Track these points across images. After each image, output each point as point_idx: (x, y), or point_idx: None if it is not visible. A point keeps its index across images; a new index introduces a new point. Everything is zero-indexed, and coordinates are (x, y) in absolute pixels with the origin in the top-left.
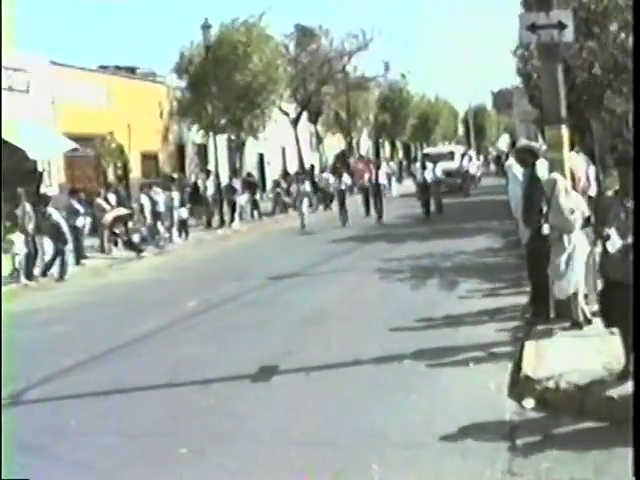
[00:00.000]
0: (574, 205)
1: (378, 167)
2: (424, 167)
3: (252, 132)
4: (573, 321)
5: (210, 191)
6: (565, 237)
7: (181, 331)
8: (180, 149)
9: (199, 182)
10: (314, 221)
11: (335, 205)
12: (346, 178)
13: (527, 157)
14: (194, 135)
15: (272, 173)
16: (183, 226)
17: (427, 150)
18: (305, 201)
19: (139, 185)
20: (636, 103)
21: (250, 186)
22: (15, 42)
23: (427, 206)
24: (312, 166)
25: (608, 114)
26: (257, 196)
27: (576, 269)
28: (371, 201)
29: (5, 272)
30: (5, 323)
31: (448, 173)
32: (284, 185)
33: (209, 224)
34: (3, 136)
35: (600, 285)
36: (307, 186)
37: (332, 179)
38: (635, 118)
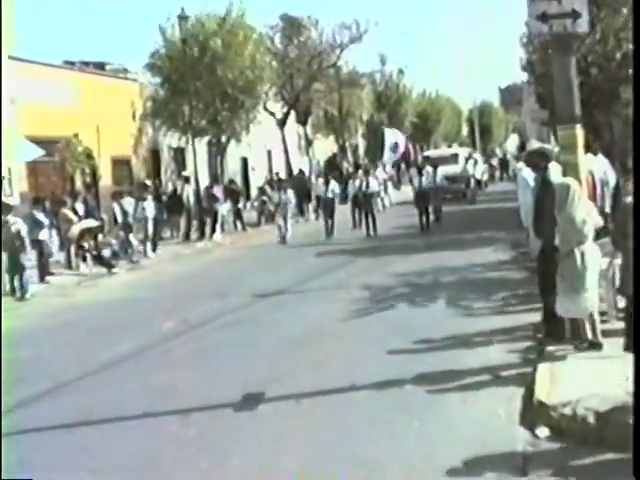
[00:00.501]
0: (586, 214)
1: (367, 172)
2: (420, 172)
3: (234, 134)
4: (590, 341)
5: (188, 199)
6: (576, 250)
7: (157, 355)
8: (155, 153)
9: (177, 190)
10: (297, 233)
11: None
12: (334, 185)
13: (538, 161)
14: (170, 138)
15: (257, 179)
16: (153, 238)
17: (428, 152)
18: (287, 212)
19: (110, 193)
20: (636, 102)
21: (233, 194)
22: None
23: (425, 216)
24: (301, 171)
25: (627, 110)
26: (240, 205)
27: (589, 285)
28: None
29: None
30: None
31: (451, 178)
32: (270, 192)
33: (187, 236)
34: None
35: (621, 301)
36: (290, 194)
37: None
38: (635, 118)
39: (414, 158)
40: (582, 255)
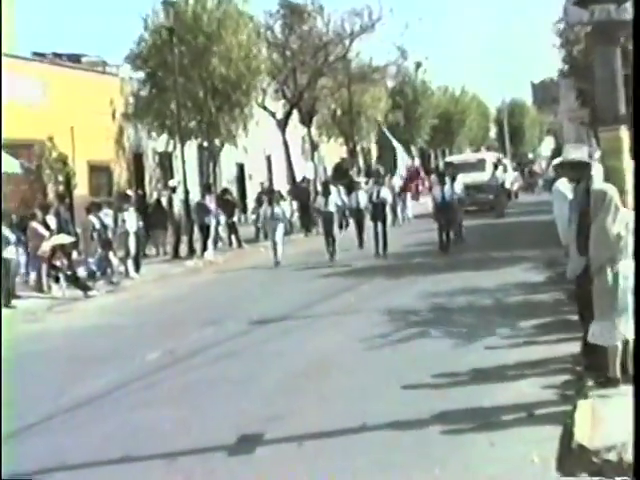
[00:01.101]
0: (624, 227)
1: (378, 180)
2: (443, 181)
3: (229, 137)
4: (608, 376)
5: (177, 212)
6: (608, 268)
7: (140, 391)
8: (138, 159)
9: (163, 201)
10: (299, 252)
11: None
12: (335, 197)
13: (576, 174)
14: (156, 141)
15: (255, 188)
16: (136, 256)
17: (450, 158)
18: (280, 228)
19: (86, 205)
20: (636, 102)
21: (227, 205)
22: None
23: (446, 232)
24: (305, 179)
25: None
26: (236, 218)
27: (620, 310)
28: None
29: None
30: None
31: (477, 187)
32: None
33: (176, 254)
34: None
35: None
36: (282, 207)
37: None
38: (635, 118)
39: (421, 183)
40: (615, 274)
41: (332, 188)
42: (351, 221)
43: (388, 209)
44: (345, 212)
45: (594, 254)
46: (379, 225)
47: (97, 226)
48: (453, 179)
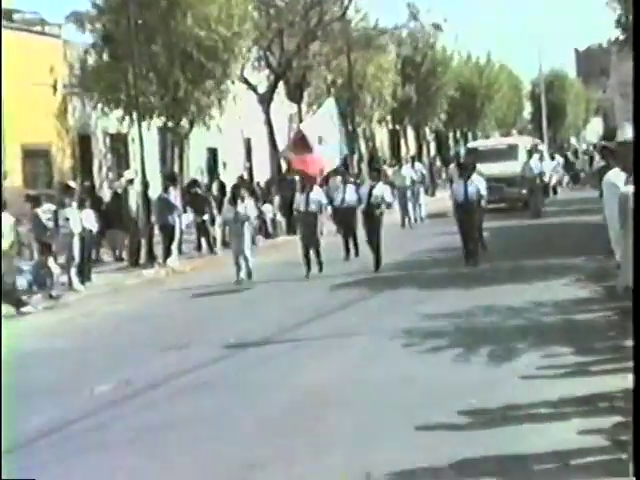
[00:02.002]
0: None
1: (377, 173)
2: (465, 173)
3: (200, 116)
4: None
5: (133, 208)
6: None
7: (87, 432)
8: (85, 141)
9: (118, 192)
10: (278, 261)
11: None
12: (318, 193)
13: (631, 158)
14: (108, 120)
15: (231, 179)
16: (82, 263)
17: (474, 144)
18: (246, 234)
19: (20, 198)
20: (636, 102)
21: (196, 201)
22: None
23: (470, 236)
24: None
25: None
26: (207, 217)
27: None
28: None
29: None
30: None
31: (507, 180)
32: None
33: (134, 260)
34: None
35: None
36: (249, 206)
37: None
38: (635, 118)
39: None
40: None
41: (335, 180)
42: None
43: (384, 210)
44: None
45: (623, 268)
46: (372, 232)
47: (34, 225)
48: (473, 169)
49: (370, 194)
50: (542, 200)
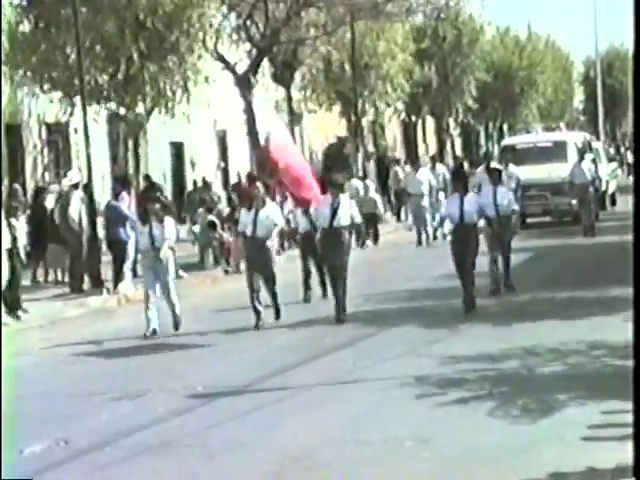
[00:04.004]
0: None
1: (363, 177)
2: (497, 179)
3: (160, 101)
4: None
5: (75, 219)
6: None
7: None
8: (14, 132)
9: (51, 197)
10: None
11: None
12: (271, 211)
13: None
14: (44, 105)
15: (200, 182)
16: (11, 288)
17: (511, 140)
18: (168, 267)
19: None
20: (636, 101)
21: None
22: None
23: (505, 262)
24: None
25: None
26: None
27: None
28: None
29: None
30: None
31: (553, 187)
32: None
33: (79, 285)
34: None
35: None
36: (170, 228)
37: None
38: (635, 118)
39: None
40: None
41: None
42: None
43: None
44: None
45: None
46: (333, 263)
47: None
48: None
49: (335, 210)
50: (597, 212)
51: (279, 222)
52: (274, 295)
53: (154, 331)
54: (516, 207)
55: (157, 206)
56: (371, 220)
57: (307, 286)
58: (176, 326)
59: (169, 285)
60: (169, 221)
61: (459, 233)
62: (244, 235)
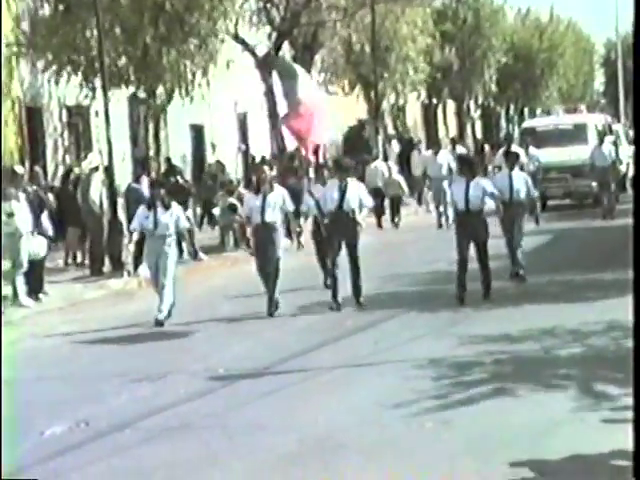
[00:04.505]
0: None
1: (362, 163)
2: (514, 162)
3: (181, 84)
4: None
5: (97, 201)
6: None
7: None
8: (35, 115)
9: (74, 180)
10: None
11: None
12: (278, 195)
13: None
14: (64, 89)
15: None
16: (33, 272)
17: (531, 122)
18: (170, 255)
19: None
20: (636, 101)
21: (175, 193)
22: None
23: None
24: (299, 150)
25: None
26: (190, 212)
27: None
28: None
29: None
30: None
31: (574, 170)
32: (243, 190)
33: (96, 267)
34: None
35: None
36: (179, 215)
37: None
38: (635, 117)
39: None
40: None
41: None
42: None
43: (361, 218)
44: None
45: None
46: (351, 247)
47: None
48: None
49: (343, 195)
50: (617, 195)
51: (289, 207)
52: (274, 285)
53: (161, 321)
54: (536, 193)
55: (162, 191)
56: (395, 202)
57: (324, 269)
58: (169, 312)
59: (167, 271)
60: (177, 208)
61: (465, 220)
62: (249, 220)
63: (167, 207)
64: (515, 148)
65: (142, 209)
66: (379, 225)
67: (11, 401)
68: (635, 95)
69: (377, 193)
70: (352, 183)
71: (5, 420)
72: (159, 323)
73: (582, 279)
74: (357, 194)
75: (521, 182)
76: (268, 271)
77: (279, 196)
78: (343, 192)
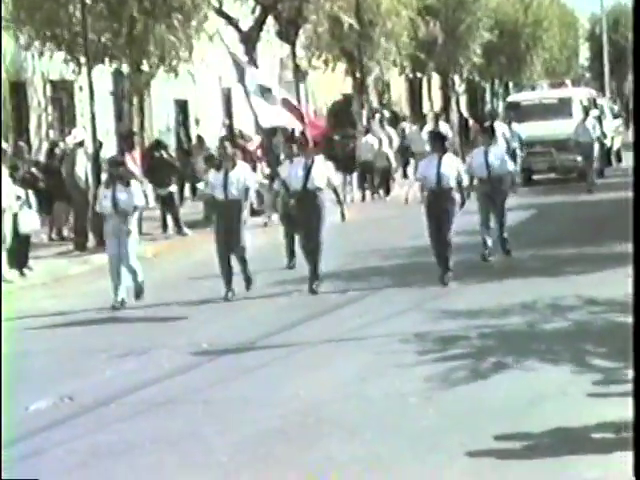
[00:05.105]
0: None
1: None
2: (490, 138)
3: (165, 59)
4: None
5: (80, 174)
6: None
7: (19, 461)
8: (18, 90)
9: (59, 156)
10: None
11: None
12: (242, 172)
13: None
14: (48, 63)
15: (206, 140)
16: (23, 248)
17: (516, 97)
18: (131, 234)
19: None
20: (636, 101)
21: (160, 168)
22: None
23: (499, 227)
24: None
25: None
26: (173, 188)
27: None
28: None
29: None
30: None
31: (558, 144)
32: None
33: (83, 243)
34: None
35: None
36: (137, 192)
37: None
38: (635, 117)
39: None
40: None
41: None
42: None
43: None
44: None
45: None
46: (307, 232)
47: None
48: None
49: (308, 173)
50: (602, 169)
51: (251, 185)
52: (244, 262)
53: (122, 301)
54: (511, 168)
55: (123, 169)
56: (384, 174)
57: (291, 250)
58: (137, 294)
59: (130, 250)
60: (136, 185)
61: (435, 198)
62: (213, 198)
63: (127, 185)
64: (498, 123)
65: (101, 188)
66: (363, 199)
67: None
68: (635, 97)
69: (367, 167)
70: (318, 160)
71: None
72: (118, 306)
73: (567, 253)
74: (323, 172)
75: (497, 157)
76: (230, 252)
77: (241, 173)
78: (308, 170)
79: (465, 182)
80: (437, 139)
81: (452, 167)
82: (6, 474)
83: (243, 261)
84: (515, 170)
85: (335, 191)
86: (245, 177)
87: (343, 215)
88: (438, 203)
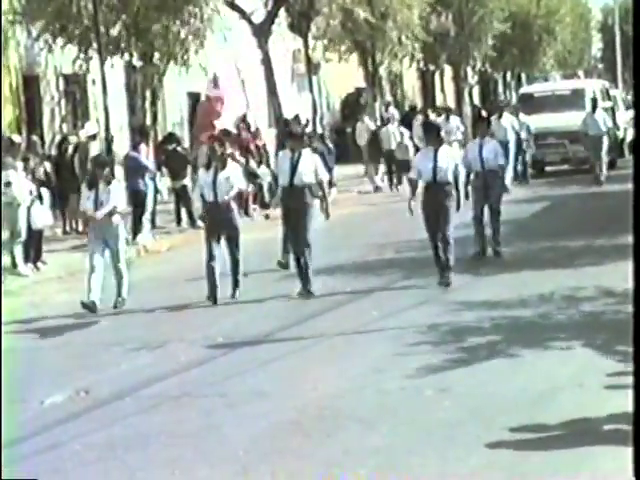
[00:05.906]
0: None
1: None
2: (486, 129)
3: (177, 53)
4: None
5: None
6: None
7: (35, 455)
8: (31, 84)
9: (71, 149)
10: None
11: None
12: (232, 172)
13: None
14: (61, 56)
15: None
16: (30, 241)
17: (529, 88)
18: (119, 236)
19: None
20: (636, 100)
21: (174, 161)
22: None
23: (494, 221)
24: (298, 120)
25: None
26: (188, 181)
27: None
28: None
29: None
30: None
31: (570, 135)
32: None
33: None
34: None
35: None
36: (119, 193)
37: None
38: (636, 116)
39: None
40: None
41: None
42: None
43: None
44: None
45: None
46: (298, 232)
47: None
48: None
49: (295, 165)
50: (614, 161)
51: (238, 185)
52: (236, 264)
53: (93, 303)
54: (502, 162)
55: (107, 170)
56: (404, 167)
57: (285, 244)
58: (118, 301)
59: (119, 254)
60: (116, 186)
61: (431, 193)
62: (203, 198)
63: (108, 184)
64: (506, 115)
65: (84, 189)
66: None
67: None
68: (635, 94)
69: (390, 156)
70: (306, 154)
71: (5, 389)
72: (89, 306)
73: (579, 245)
74: (311, 167)
75: (491, 151)
76: (218, 251)
77: (230, 173)
78: (295, 165)
79: (462, 177)
80: (432, 130)
81: (449, 160)
82: (22, 468)
83: (235, 261)
84: (503, 163)
85: (321, 186)
86: (233, 178)
87: (327, 214)
88: (435, 199)
